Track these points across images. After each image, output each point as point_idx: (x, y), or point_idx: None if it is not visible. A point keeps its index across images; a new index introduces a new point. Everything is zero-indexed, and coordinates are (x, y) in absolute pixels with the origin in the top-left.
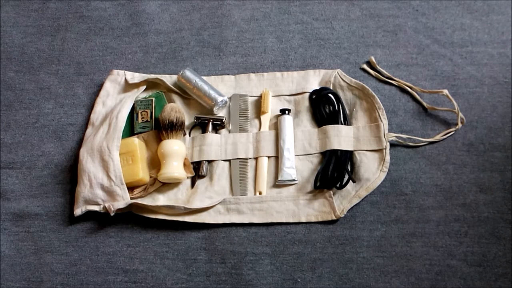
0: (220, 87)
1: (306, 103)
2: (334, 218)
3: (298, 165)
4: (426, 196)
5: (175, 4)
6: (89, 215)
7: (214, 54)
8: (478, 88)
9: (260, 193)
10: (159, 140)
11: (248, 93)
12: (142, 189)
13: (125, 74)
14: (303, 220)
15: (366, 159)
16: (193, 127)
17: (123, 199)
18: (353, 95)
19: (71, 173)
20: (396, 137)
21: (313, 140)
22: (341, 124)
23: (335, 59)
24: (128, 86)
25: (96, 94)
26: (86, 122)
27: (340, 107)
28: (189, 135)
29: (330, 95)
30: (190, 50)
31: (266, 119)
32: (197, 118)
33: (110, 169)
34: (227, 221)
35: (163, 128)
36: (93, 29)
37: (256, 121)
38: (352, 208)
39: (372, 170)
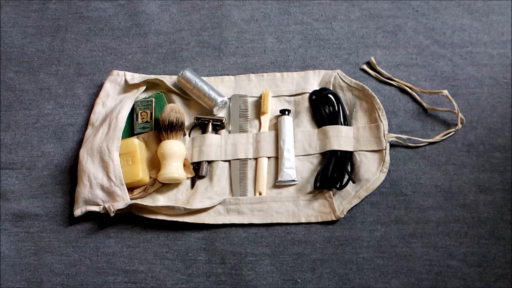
0: (220, 88)
1: (306, 103)
2: (334, 218)
3: (298, 166)
4: (426, 197)
5: (175, 4)
6: (89, 216)
7: (214, 55)
8: (478, 89)
9: (260, 194)
10: (159, 140)
11: (248, 94)
12: (142, 189)
13: (125, 75)
14: (303, 220)
15: (366, 159)
16: (193, 127)
17: (123, 200)
18: (353, 95)
19: (71, 174)
20: (396, 137)
21: (313, 141)
22: (341, 124)
23: (335, 60)
24: (128, 87)
25: (96, 94)
26: (86, 122)
27: (340, 108)
28: (189, 136)
29: (330, 95)
30: (190, 50)
31: (266, 119)
32: (197, 118)
33: (110, 170)
34: (227, 222)
35: (163, 129)
36: (93, 29)
37: (256, 122)
38: (352, 208)
39: (372, 171)
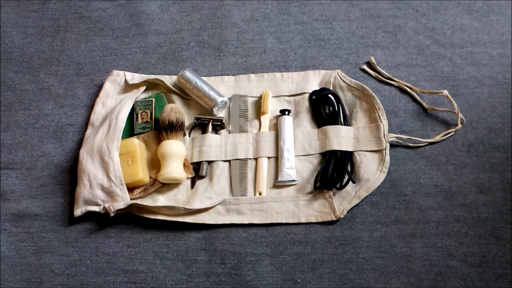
0: (220, 88)
1: (306, 103)
2: (334, 218)
3: (298, 166)
4: (426, 197)
5: (175, 4)
6: (89, 216)
7: (214, 55)
8: (478, 89)
9: (260, 194)
10: (159, 140)
11: (248, 94)
12: (142, 189)
13: (125, 75)
14: (303, 220)
15: (366, 159)
16: (193, 127)
17: (123, 200)
18: (353, 95)
19: (71, 174)
20: (396, 137)
21: (313, 141)
22: (341, 124)
23: (335, 60)
24: (128, 87)
25: (96, 94)
26: (86, 122)
27: (340, 108)
28: (189, 136)
29: (330, 95)
30: (190, 50)
31: (266, 119)
32: (197, 118)
33: (110, 170)
34: (227, 222)
35: (163, 129)
36: (93, 29)
37: (256, 122)
38: (352, 208)
39: (372, 171)
